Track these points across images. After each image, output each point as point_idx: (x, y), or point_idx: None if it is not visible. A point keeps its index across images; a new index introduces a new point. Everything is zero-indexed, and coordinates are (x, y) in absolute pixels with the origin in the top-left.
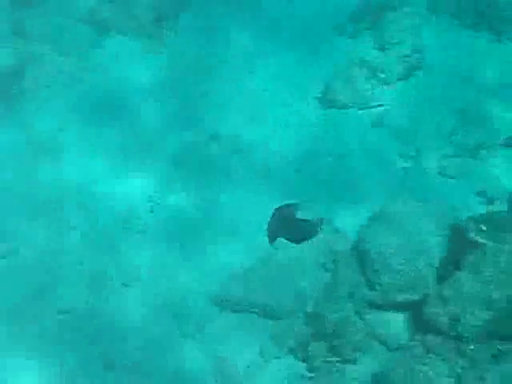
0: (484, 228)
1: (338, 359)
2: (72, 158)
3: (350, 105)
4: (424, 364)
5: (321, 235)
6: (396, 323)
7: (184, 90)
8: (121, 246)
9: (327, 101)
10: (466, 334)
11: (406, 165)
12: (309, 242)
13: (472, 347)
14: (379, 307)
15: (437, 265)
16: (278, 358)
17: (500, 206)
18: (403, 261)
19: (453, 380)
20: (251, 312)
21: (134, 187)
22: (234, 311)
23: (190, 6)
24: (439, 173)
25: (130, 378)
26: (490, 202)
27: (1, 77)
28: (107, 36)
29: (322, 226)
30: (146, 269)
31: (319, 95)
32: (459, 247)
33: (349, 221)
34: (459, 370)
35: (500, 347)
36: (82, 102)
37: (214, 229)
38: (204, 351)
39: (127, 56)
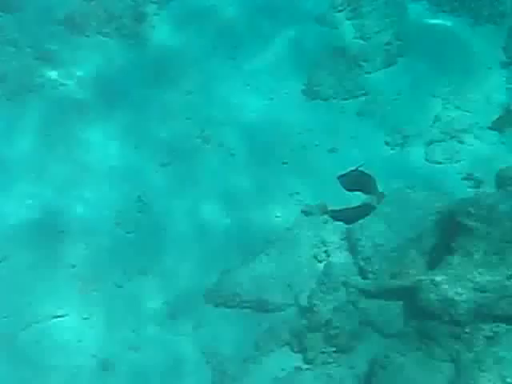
0: (473, 211)
1: (334, 349)
2: None
3: (334, 95)
4: (419, 349)
5: (312, 227)
6: (390, 310)
7: None
8: None
9: (312, 92)
10: (460, 318)
11: (392, 152)
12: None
13: (467, 330)
14: (373, 295)
15: (428, 250)
16: (274, 351)
17: (488, 188)
18: (395, 248)
19: (449, 364)
20: (245, 307)
21: None
22: (229, 307)
23: None
24: (426, 159)
25: None
26: (478, 184)
27: None
28: None
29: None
30: None
31: (303, 87)
32: (449, 232)
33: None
34: (455, 354)
35: (494, 329)
36: None
37: None
38: (200, 347)
39: None
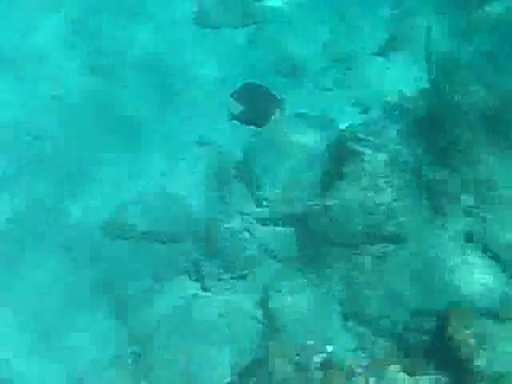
0: (361, 136)
1: (230, 276)
2: None
3: (224, 24)
4: (312, 273)
5: (206, 154)
6: (285, 236)
7: None
8: None
9: (201, 21)
10: (350, 240)
11: (283, 80)
12: (196, 161)
13: (356, 252)
14: (267, 222)
15: (320, 176)
16: (172, 280)
17: (375, 114)
18: (287, 174)
19: (340, 284)
20: (142, 238)
21: None
22: (126, 239)
23: None
24: (315, 86)
25: None
26: (366, 110)
27: None
28: None
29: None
30: None
31: (193, 16)
32: (339, 157)
33: (232, 139)
34: (346, 275)
35: (382, 249)
36: None
37: None
38: (98, 280)
39: None
